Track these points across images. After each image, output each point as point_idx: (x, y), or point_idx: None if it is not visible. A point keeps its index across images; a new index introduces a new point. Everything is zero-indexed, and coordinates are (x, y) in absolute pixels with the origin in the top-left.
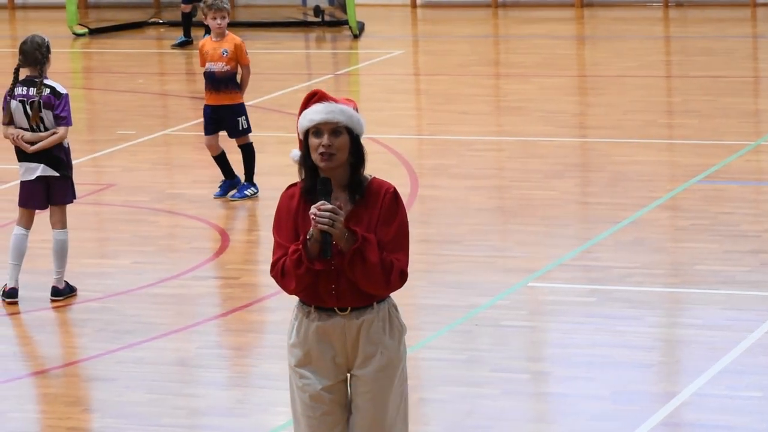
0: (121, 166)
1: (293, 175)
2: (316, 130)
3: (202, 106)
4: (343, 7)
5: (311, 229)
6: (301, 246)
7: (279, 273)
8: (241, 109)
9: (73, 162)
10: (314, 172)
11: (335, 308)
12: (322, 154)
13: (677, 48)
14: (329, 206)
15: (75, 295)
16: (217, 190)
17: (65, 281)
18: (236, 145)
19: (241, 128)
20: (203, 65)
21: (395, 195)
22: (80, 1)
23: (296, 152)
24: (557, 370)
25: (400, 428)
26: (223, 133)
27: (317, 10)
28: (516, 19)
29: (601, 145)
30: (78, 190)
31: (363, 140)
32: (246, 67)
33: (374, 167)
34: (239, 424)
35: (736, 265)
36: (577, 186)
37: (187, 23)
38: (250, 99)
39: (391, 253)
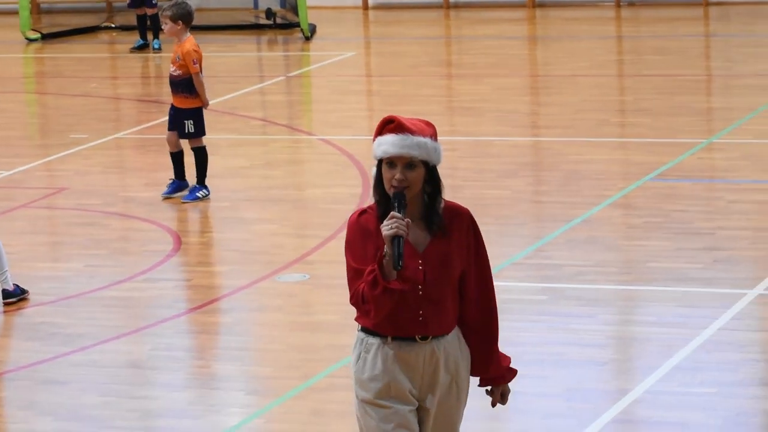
0: (74, 170)
1: (245, 177)
2: (389, 161)
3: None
4: (295, 10)
5: (385, 247)
6: (376, 266)
7: (359, 299)
8: (190, 113)
9: (26, 166)
10: (387, 199)
11: (416, 337)
12: (395, 186)
13: (629, 47)
14: (396, 214)
15: (27, 298)
16: (165, 188)
17: (14, 284)
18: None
19: (186, 131)
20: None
21: (474, 221)
22: (33, 6)
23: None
24: None
25: None
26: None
27: (269, 13)
28: (468, 19)
29: (553, 144)
30: (31, 194)
31: (322, 142)
32: (194, 75)
33: (327, 168)
34: (193, 426)
35: (689, 263)
36: (529, 185)
37: (142, 26)
38: None
39: (489, 280)
